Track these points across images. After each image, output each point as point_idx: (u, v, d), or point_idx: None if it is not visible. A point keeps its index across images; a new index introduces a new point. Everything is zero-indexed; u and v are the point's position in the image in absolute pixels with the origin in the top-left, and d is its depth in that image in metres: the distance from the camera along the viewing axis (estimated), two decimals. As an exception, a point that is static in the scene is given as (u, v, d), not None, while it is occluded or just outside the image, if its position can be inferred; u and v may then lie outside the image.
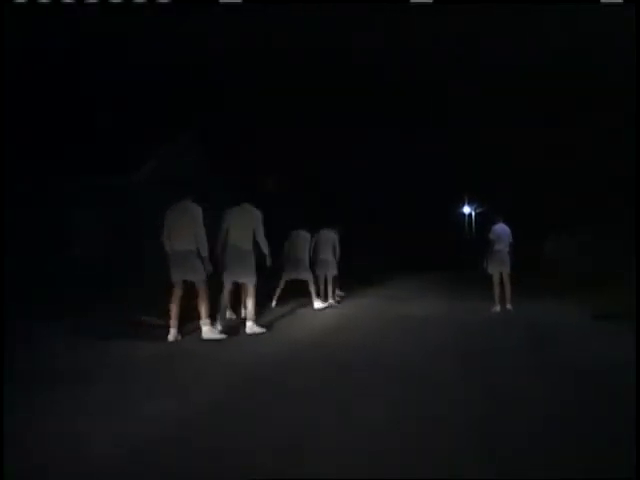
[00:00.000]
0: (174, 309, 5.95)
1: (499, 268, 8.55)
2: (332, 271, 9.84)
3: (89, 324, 6.66)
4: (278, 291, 9.16)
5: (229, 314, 7.18)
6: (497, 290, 8.57)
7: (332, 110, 20.28)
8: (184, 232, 5.96)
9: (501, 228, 8.67)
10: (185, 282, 6.09)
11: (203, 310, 5.95)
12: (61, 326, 6.50)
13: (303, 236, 9.34)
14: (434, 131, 24.07)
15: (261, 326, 6.52)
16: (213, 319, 6.18)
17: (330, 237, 9.97)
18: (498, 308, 8.53)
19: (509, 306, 8.51)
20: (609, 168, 15.12)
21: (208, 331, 5.94)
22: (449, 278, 17.58)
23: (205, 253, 6.02)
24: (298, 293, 9.37)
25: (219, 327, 6.26)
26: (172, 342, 5.81)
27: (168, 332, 5.95)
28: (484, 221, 27.34)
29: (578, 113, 15.63)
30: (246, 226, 6.39)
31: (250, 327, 6.36)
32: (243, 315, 7.21)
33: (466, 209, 34.72)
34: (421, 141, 25.38)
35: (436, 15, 11.73)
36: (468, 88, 20.24)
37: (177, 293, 6.05)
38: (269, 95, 18.03)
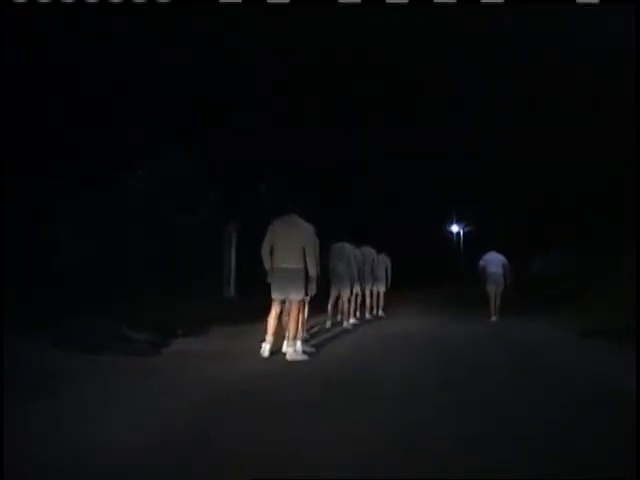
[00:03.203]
0: (272, 325, 5.73)
1: (493, 287, 10.31)
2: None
3: (73, 336, 6.33)
4: (331, 308, 8.82)
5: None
6: (492, 304, 10.32)
7: (322, 119, 20.14)
8: (291, 249, 5.70)
9: (491, 256, 10.50)
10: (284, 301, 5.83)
11: (292, 330, 5.65)
12: (45, 338, 6.21)
13: (348, 249, 8.98)
14: (422, 148, 24.15)
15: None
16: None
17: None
18: (494, 318, 10.19)
19: (494, 318, 10.19)
20: (600, 183, 15.20)
21: (292, 352, 5.60)
22: (443, 294, 17.96)
23: (314, 273, 5.80)
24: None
25: (306, 348, 6.01)
26: (266, 357, 5.56)
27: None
28: (473, 240, 28.12)
29: (577, 114, 15.64)
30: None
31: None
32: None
33: (454, 227, 35.28)
34: (410, 156, 25.58)
35: (435, 15, 11.73)
36: (463, 94, 20.24)
37: (276, 310, 5.81)
38: (265, 99, 17.94)
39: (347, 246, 9.03)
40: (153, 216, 12.69)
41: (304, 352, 5.81)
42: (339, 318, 9.08)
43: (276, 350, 5.77)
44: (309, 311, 7.03)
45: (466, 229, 34.61)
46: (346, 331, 8.50)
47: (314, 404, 3.78)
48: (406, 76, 19.30)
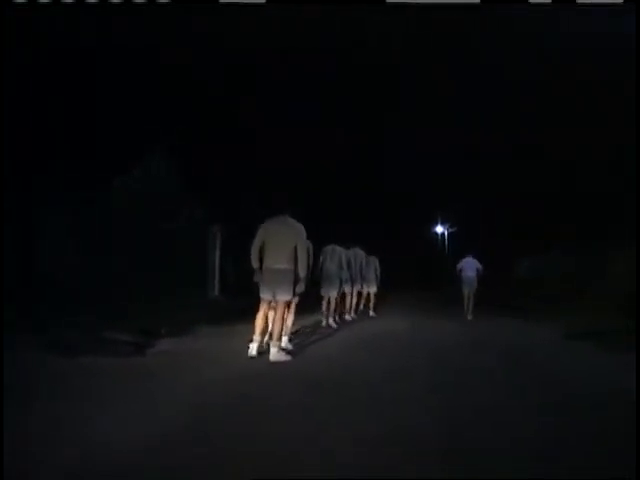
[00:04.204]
0: (260, 324, 5.75)
1: (468, 288, 11.79)
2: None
3: (55, 339, 6.29)
4: (325, 308, 9.19)
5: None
6: (466, 303, 11.81)
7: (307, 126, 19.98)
8: (283, 249, 5.71)
9: (469, 260, 12.00)
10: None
11: (276, 331, 5.66)
12: (30, 341, 6.06)
13: (339, 252, 9.44)
14: (408, 147, 24.09)
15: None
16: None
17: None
18: (469, 317, 11.52)
19: (470, 316, 11.51)
20: (591, 184, 15.24)
21: (276, 353, 5.59)
22: (428, 294, 19.14)
23: (304, 273, 5.81)
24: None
25: (289, 346, 6.12)
26: (253, 357, 5.57)
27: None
28: (458, 241, 28.49)
29: (576, 114, 15.63)
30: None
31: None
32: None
33: (439, 228, 35.55)
34: (395, 157, 25.56)
35: (432, 15, 11.71)
36: (456, 94, 20.15)
37: (264, 310, 5.84)
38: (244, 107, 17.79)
39: (338, 248, 9.46)
40: (137, 217, 12.75)
41: (288, 352, 5.88)
42: (327, 317, 9.41)
43: (263, 350, 5.79)
44: (296, 311, 7.05)
45: (451, 230, 34.84)
46: (335, 330, 8.81)
47: (297, 402, 3.83)
48: (394, 76, 19.28)
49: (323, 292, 9.18)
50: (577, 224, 15.54)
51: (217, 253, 15.52)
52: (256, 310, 5.92)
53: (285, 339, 6.24)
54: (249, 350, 5.65)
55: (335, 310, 9.54)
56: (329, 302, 9.37)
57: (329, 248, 9.32)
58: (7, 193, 9.58)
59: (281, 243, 5.76)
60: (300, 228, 5.91)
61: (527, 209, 20.14)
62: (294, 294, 5.92)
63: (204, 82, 16.49)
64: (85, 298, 9.66)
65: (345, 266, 9.64)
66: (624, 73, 10.21)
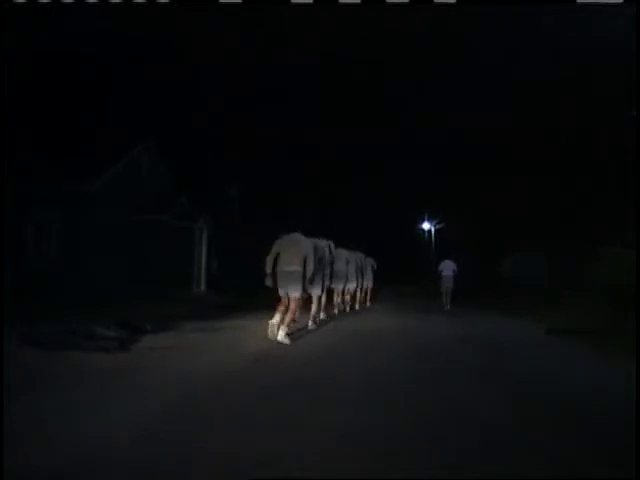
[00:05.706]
0: (280, 316, 6.85)
1: (446, 285, 13.93)
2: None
3: (41, 335, 6.09)
4: (341, 300, 11.16)
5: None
6: (444, 298, 13.91)
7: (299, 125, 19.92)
8: (293, 256, 7.06)
9: (447, 262, 14.25)
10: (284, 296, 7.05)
11: (287, 319, 6.89)
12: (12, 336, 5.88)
13: (344, 253, 11.12)
14: (397, 147, 24.17)
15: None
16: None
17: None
18: (446, 308, 13.44)
19: (447, 307, 13.50)
20: (591, 183, 15.30)
21: (283, 335, 6.71)
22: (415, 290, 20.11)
23: (310, 275, 7.14)
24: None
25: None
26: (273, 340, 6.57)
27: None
28: (445, 238, 29.00)
29: (575, 115, 15.63)
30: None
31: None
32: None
33: (426, 225, 35.77)
34: (383, 156, 25.67)
35: (431, 15, 11.71)
36: (450, 93, 20.10)
37: (283, 304, 7.00)
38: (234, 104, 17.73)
39: (344, 251, 11.23)
40: (124, 214, 12.73)
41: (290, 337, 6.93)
42: (341, 305, 11.48)
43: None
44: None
45: (437, 226, 35.04)
46: (339, 317, 10.50)
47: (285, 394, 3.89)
48: (393, 76, 19.28)
49: (334, 286, 10.78)
50: (576, 224, 15.59)
51: (203, 248, 15.53)
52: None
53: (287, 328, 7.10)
54: (278, 336, 6.69)
55: (343, 300, 11.59)
56: (342, 293, 11.37)
57: (337, 251, 10.62)
58: (7, 193, 9.60)
59: (293, 253, 7.09)
60: (308, 242, 7.32)
61: (525, 208, 20.16)
62: (304, 291, 7.17)
63: (204, 82, 16.50)
64: (74, 296, 9.63)
65: (350, 265, 11.50)
66: (624, 73, 10.21)
